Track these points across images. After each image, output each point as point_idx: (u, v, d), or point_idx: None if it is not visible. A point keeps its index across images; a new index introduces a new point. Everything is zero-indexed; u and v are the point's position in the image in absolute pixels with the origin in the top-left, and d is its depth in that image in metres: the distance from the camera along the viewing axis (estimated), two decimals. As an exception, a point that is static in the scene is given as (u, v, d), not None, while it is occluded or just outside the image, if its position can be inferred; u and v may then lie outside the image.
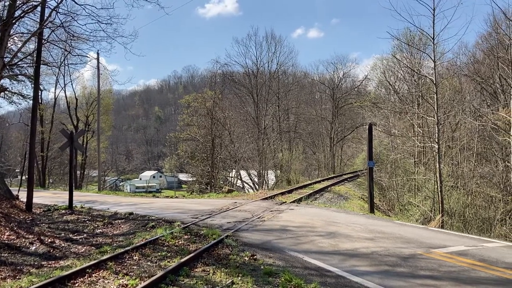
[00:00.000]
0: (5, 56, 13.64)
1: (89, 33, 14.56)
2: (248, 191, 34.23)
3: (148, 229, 10.61)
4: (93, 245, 9.02)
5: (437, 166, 19.42)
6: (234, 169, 37.99)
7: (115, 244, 8.89)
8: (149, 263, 7.25)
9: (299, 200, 18.95)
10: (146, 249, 8.14)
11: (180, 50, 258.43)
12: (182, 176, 75.67)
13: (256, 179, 38.55)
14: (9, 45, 14.96)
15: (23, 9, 13.55)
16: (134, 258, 7.50)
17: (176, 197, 28.57)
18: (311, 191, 22.93)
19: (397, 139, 31.48)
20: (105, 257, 7.25)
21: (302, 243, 9.06)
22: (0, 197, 14.33)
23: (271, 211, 14.44)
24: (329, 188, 26.35)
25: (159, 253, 7.83)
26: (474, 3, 69.82)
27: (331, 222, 12.11)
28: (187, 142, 41.73)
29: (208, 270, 6.78)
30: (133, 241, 8.91)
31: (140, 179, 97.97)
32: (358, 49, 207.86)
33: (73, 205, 15.25)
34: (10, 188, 17.37)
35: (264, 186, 35.60)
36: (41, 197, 20.42)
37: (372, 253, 8.11)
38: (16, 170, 51.71)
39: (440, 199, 19.04)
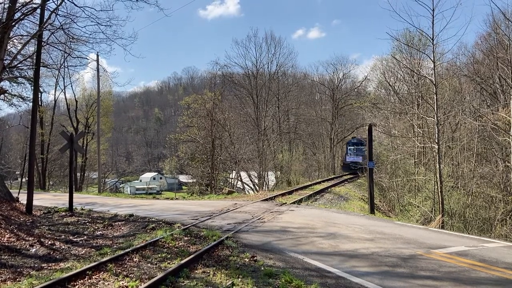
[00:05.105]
0: (4, 58, 13.66)
1: (88, 35, 14.60)
2: (248, 193, 34.25)
3: (148, 230, 10.61)
4: (93, 247, 9.01)
5: (437, 166, 19.42)
6: (234, 170, 38.02)
7: (115, 246, 8.89)
8: (149, 264, 7.24)
9: (299, 201, 18.94)
10: (146, 250, 8.14)
11: (180, 51, 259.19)
12: (183, 178, 75.67)
13: (256, 180, 38.53)
14: (8, 47, 14.96)
15: (22, 11, 13.58)
16: (134, 259, 7.50)
17: (177, 198, 28.51)
18: (311, 192, 22.92)
19: (397, 140, 31.49)
20: (105, 259, 7.25)
21: (302, 244, 9.05)
22: (0, 199, 14.32)
23: (271, 212, 14.43)
24: (329, 189, 26.35)
25: (159, 255, 7.83)
26: (473, 3, 70.05)
27: (331, 223, 12.11)
28: (187, 143, 41.78)
29: (208, 271, 6.78)
30: (133, 243, 8.91)
31: (140, 180, 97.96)
32: (359, 50, 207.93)
33: (73, 207, 15.24)
34: (10, 190, 17.35)
35: (264, 187, 35.58)
36: (41, 199, 20.42)
37: (372, 253, 8.11)
38: (16, 172, 51.83)
39: (440, 200, 19.04)
